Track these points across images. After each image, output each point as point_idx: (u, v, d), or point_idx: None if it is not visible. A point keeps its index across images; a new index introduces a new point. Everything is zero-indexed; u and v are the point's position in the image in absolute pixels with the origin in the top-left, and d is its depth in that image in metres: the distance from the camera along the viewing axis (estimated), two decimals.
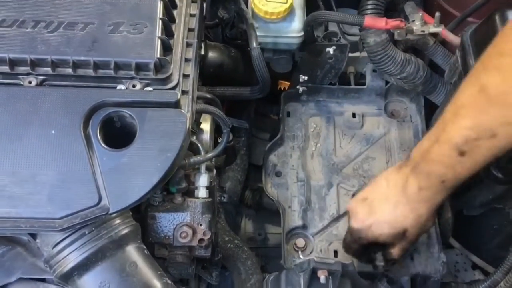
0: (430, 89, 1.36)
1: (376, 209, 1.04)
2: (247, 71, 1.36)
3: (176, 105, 0.94)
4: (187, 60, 1.01)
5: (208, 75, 1.32)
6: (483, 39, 1.12)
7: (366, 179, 1.38)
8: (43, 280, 1.01)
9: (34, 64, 0.95)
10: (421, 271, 1.22)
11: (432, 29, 1.18)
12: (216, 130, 1.33)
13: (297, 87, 1.43)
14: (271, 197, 1.35)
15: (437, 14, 1.18)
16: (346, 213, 1.33)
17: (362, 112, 1.47)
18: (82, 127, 0.91)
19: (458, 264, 1.39)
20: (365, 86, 1.46)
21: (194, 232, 1.06)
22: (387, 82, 1.45)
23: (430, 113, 1.41)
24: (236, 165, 1.52)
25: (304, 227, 1.32)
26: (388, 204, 1.02)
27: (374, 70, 1.44)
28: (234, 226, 1.47)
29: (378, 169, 1.39)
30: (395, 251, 1.07)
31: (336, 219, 1.34)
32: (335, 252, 1.28)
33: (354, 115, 1.46)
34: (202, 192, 1.09)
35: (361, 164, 1.41)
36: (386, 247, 1.08)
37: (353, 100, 1.48)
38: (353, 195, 1.22)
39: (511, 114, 0.82)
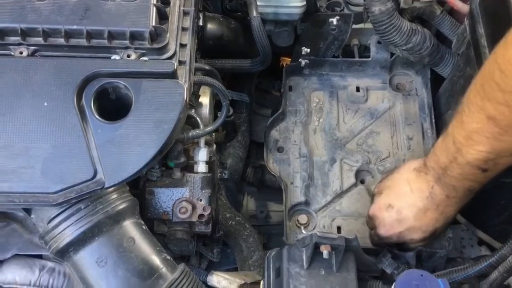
0: (437, 60, 1.32)
1: (406, 217, 1.06)
2: (248, 43, 1.32)
3: (173, 75, 0.91)
4: (184, 29, 0.98)
5: (207, 47, 1.28)
6: (492, 6, 1.08)
7: (370, 154, 1.35)
8: (39, 256, 0.99)
9: (25, 33, 0.92)
10: (428, 247, 1.20)
11: None
12: (216, 106, 1.30)
13: (299, 60, 1.39)
14: (273, 173, 1.32)
15: None
16: (350, 188, 1.32)
17: (366, 86, 1.42)
18: (75, 98, 0.88)
19: (464, 240, 1.36)
20: (369, 59, 1.42)
21: (194, 208, 1.04)
22: (392, 54, 1.40)
23: (437, 86, 1.37)
24: (237, 142, 1.50)
25: (307, 203, 1.29)
26: (418, 212, 1.05)
27: (379, 42, 1.39)
28: (235, 204, 1.45)
29: (382, 144, 1.36)
30: (424, 244, 1.12)
31: (339, 195, 1.31)
32: (338, 228, 1.26)
33: (358, 89, 1.42)
34: (201, 167, 1.06)
35: (365, 139, 1.37)
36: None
37: (357, 73, 1.44)
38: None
39: None
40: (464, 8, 1.15)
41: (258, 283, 1.05)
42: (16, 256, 0.96)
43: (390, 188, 1.11)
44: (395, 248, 1.15)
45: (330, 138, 1.37)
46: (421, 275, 0.89)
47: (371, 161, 1.34)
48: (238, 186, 1.51)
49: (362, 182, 1.34)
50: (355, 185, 1.32)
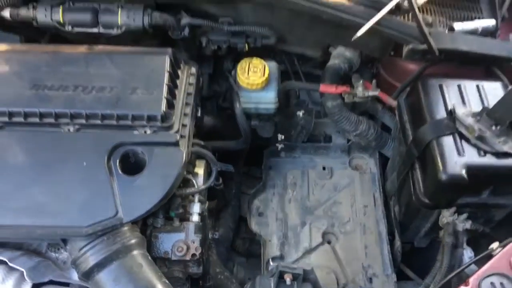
0: (381, 144, 1.69)
1: None
2: (234, 131, 1.70)
3: (176, 144, 1.27)
4: (185, 114, 1.36)
5: (204, 134, 1.65)
6: (413, 101, 1.47)
7: (334, 219, 1.66)
8: (67, 285, 1.27)
9: (73, 116, 1.29)
10: None
11: (371, 93, 1.53)
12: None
13: (276, 145, 1.76)
14: (255, 232, 1.63)
15: (374, 81, 1.55)
16: (318, 246, 1.61)
17: (331, 166, 1.78)
18: (106, 160, 1.23)
19: None
20: (331, 144, 1.79)
21: (188, 248, 1.33)
22: (348, 141, 1.78)
23: (384, 164, 1.72)
24: (227, 214, 1.80)
25: (282, 257, 1.58)
26: None
27: (338, 131, 1.78)
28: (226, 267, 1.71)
29: (344, 211, 1.68)
30: None
31: (309, 251, 1.60)
32: None
33: (324, 168, 1.77)
34: (195, 217, 1.38)
35: (330, 207, 1.70)
36: None
37: (323, 156, 1.80)
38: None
39: None
40: (393, 102, 1.54)
41: None
42: (51, 281, 1.24)
43: None
44: None
45: (302, 206, 1.70)
46: None
47: (335, 225, 1.65)
48: (228, 254, 1.78)
49: (329, 242, 1.64)
50: (322, 244, 1.62)
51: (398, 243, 1.54)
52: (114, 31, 1.51)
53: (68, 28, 1.51)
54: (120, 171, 1.23)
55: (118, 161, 1.24)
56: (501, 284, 1.13)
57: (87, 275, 1.18)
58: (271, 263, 1.51)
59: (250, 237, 1.73)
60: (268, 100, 1.63)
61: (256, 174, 2.05)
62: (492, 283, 1.13)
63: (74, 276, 1.25)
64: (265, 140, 1.86)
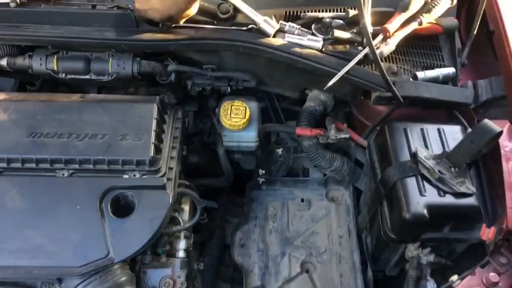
0: (355, 178, 1.81)
1: None
2: (218, 167, 1.82)
3: (163, 187, 1.38)
4: (172, 157, 1.48)
5: (189, 169, 1.77)
6: (380, 142, 1.60)
7: (312, 249, 1.78)
8: None
9: (67, 162, 1.40)
10: None
11: (343, 135, 1.66)
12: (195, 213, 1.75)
13: (258, 179, 1.88)
14: (237, 263, 1.73)
15: (345, 125, 1.68)
16: (297, 275, 1.72)
17: (309, 198, 1.90)
18: (98, 203, 1.34)
19: None
20: (309, 178, 1.91)
21: (175, 283, 1.44)
22: (324, 175, 1.90)
23: (358, 196, 1.85)
24: (213, 244, 1.91)
25: (263, 286, 1.69)
26: None
27: (315, 166, 1.90)
28: None
29: (321, 241, 1.80)
30: None
31: (288, 280, 1.71)
32: None
33: (302, 200, 1.89)
34: (181, 253, 1.48)
35: (308, 238, 1.81)
36: None
37: (301, 188, 1.92)
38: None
39: None
40: (364, 142, 1.67)
41: None
42: None
43: None
44: None
45: (282, 237, 1.81)
46: None
47: (312, 254, 1.77)
48: (213, 282, 1.88)
49: (307, 271, 1.75)
50: (300, 273, 1.73)
51: (370, 272, 1.66)
52: (105, 78, 1.62)
53: (62, 75, 1.61)
54: (111, 214, 1.34)
55: (109, 204, 1.35)
56: None
57: None
58: None
59: (234, 264, 1.83)
60: (249, 139, 1.75)
61: (239, 203, 2.16)
62: None
63: None
64: (248, 171, 1.98)
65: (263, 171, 1.87)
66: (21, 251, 1.28)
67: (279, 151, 1.81)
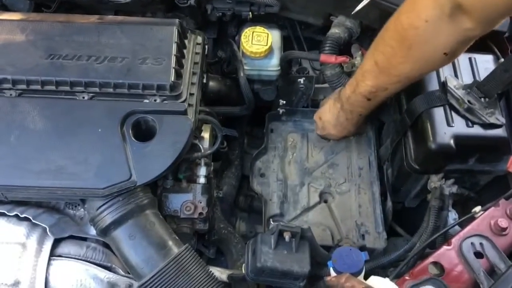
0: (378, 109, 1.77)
1: (325, 125, 1.71)
2: (238, 96, 1.79)
3: (184, 113, 1.36)
4: (192, 83, 1.44)
5: (209, 98, 1.74)
6: None
7: (331, 180, 1.77)
8: (85, 239, 1.39)
9: (87, 85, 1.38)
10: (370, 246, 1.59)
11: None
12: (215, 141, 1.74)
13: (278, 109, 1.85)
14: (256, 192, 1.74)
15: None
16: (315, 205, 1.72)
17: None
18: (119, 127, 1.32)
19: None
20: None
21: (196, 207, 1.45)
22: None
23: (380, 127, 1.81)
24: (231, 173, 1.91)
25: (281, 215, 1.70)
26: (330, 124, 1.69)
27: None
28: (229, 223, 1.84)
29: (340, 173, 1.78)
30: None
31: (307, 209, 1.71)
32: None
33: None
34: (201, 179, 1.48)
35: (327, 169, 1.80)
36: None
37: None
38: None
39: (392, 79, 1.33)
40: None
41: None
42: (71, 236, 1.36)
43: (322, 107, 1.71)
44: None
45: (301, 167, 1.80)
46: (350, 249, 1.29)
47: (331, 185, 1.76)
48: (231, 210, 1.90)
49: (326, 201, 1.75)
50: (319, 203, 1.73)
51: (389, 203, 1.65)
52: None
53: None
54: (132, 138, 1.32)
55: (130, 128, 1.33)
56: (481, 244, 1.25)
57: (105, 231, 1.30)
58: (271, 221, 1.63)
59: (252, 194, 1.84)
60: (270, 67, 1.70)
61: (258, 135, 2.15)
62: (472, 243, 1.25)
63: (91, 231, 1.38)
64: (267, 103, 1.94)
65: (284, 101, 1.83)
66: (44, 172, 1.28)
67: (301, 80, 1.76)
